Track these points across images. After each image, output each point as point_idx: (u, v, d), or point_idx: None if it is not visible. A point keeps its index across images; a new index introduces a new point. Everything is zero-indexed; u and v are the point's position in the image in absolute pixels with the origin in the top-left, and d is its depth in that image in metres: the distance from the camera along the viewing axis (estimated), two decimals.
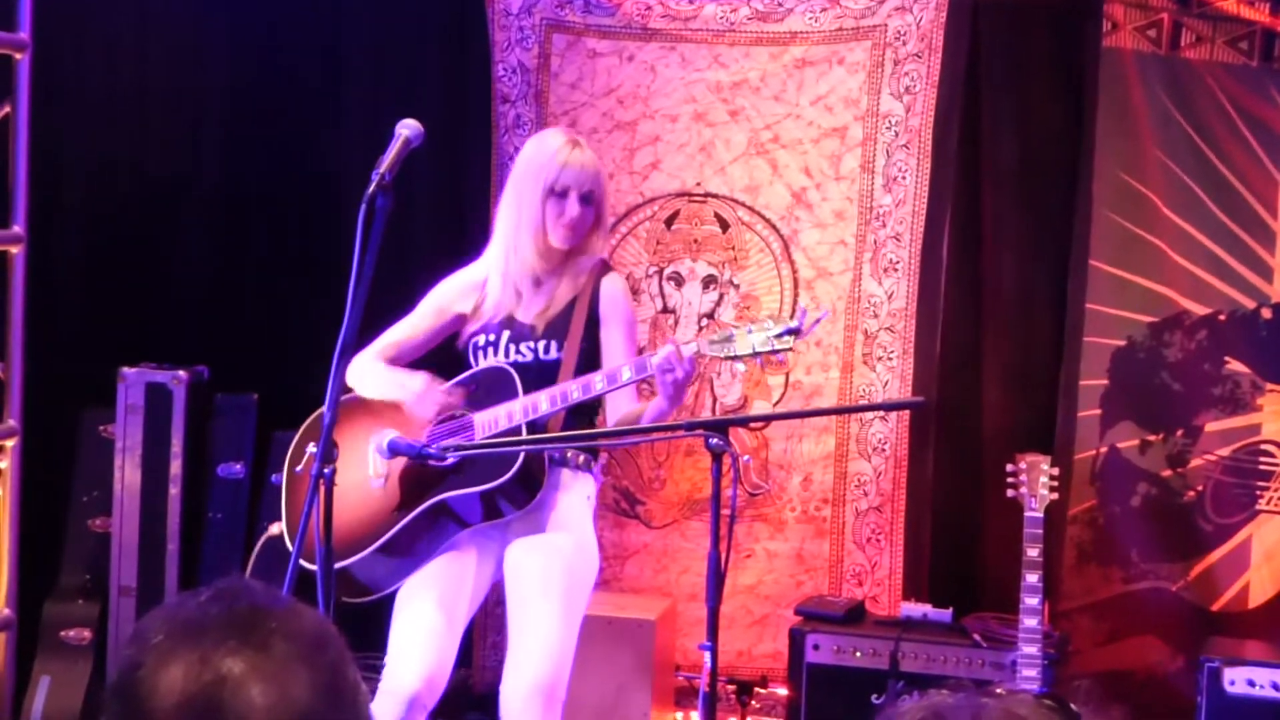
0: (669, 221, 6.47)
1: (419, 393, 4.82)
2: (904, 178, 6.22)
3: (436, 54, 6.69)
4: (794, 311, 6.30)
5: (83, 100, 6.72)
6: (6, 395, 6.08)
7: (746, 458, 6.29)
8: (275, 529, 5.08)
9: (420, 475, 4.74)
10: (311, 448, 4.42)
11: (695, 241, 6.44)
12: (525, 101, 6.51)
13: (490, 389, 4.78)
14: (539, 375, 4.78)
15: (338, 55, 6.75)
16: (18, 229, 6.06)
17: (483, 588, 4.88)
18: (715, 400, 6.43)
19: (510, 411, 4.68)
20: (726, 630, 6.07)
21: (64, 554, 6.40)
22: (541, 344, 4.84)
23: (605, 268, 5.00)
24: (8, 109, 6.02)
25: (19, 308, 6.09)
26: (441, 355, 5.09)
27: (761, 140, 6.37)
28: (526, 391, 4.70)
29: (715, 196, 6.43)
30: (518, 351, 4.85)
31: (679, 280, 6.45)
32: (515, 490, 4.68)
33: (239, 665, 1.67)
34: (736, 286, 6.40)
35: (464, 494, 4.69)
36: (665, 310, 6.44)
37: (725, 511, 4.22)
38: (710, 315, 6.39)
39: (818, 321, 4.73)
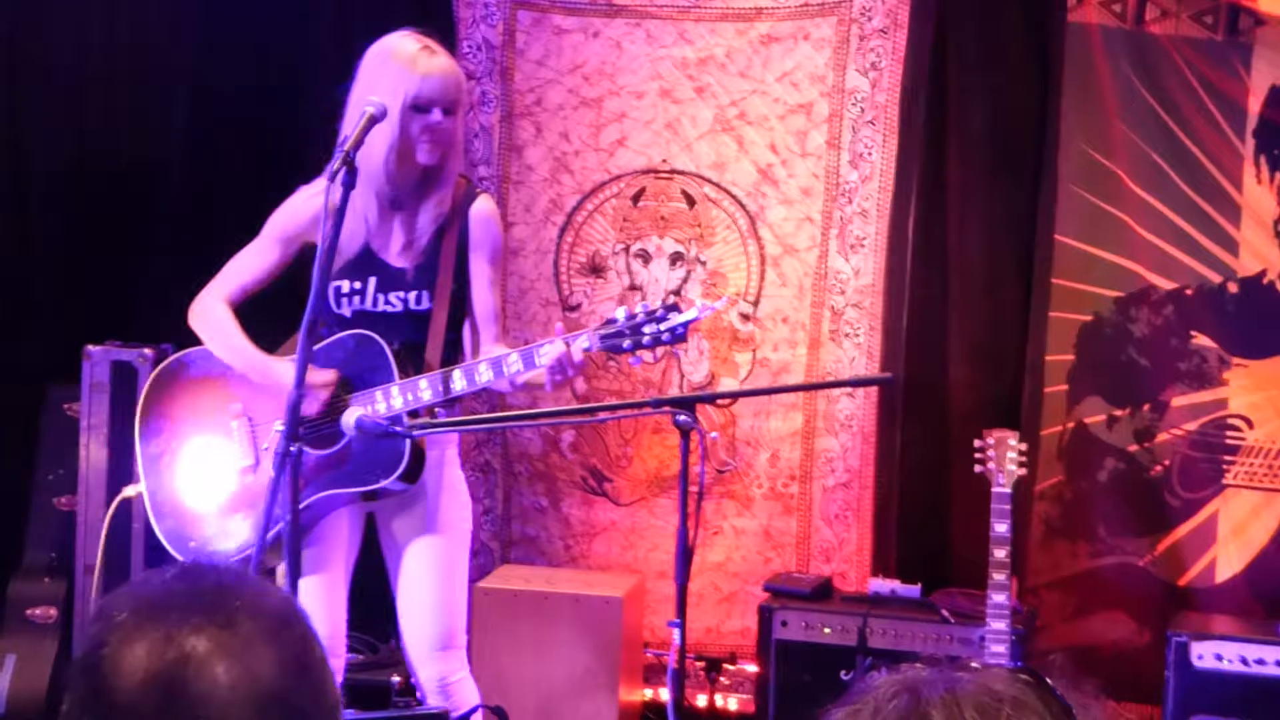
0: (636, 198, 6.46)
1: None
2: (870, 154, 6.22)
3: (401, 28, 6.66)
4: (758, 291, 6.30)
5: (53, 80, 6.69)
6: None
7: (714, 434, 6.29)
8: (131, 490, 5.00)
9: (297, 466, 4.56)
10: (278, 425, 4.37)
11: (662, 218, 6.43)
12: (490, 78, 6.49)
13: (361, 363, 4.58)
14: (409, 325, 4.64)
15: (304, 31, 6.72)
16: None
17: (356, 538, 4.82)
18: (683, 377, 6.43)
19: (389, 398, 4.51)
20: (695, 607, 6.07)
21: (29, 532, 6.38)
22: (413, 294, 4.65)
23: (470, 190, 4.78)
24: None
25: None
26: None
27: (728, 117, 6.36)
28: (393, 339, 4.55)
29: (682, 173, 6.41)
30: (386, 301, 4.66)
31: (646, 257, 6.44)
32: (402, 483, 4.57)
33: (203, 643, 1.67)
34: (704, 263, 6.39)
35: (346, 492, 4.60)
36: (633, 287, 6.42)
37: (693, 488, 4.21)
38: (677, 292, 6.38)
39: (710, 311, 4.61)
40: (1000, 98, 6.22)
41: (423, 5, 6.56)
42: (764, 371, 6.36)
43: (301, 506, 4.49)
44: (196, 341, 6.49)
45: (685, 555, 4.21)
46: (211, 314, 4.78)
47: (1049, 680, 1.56)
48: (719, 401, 6.41)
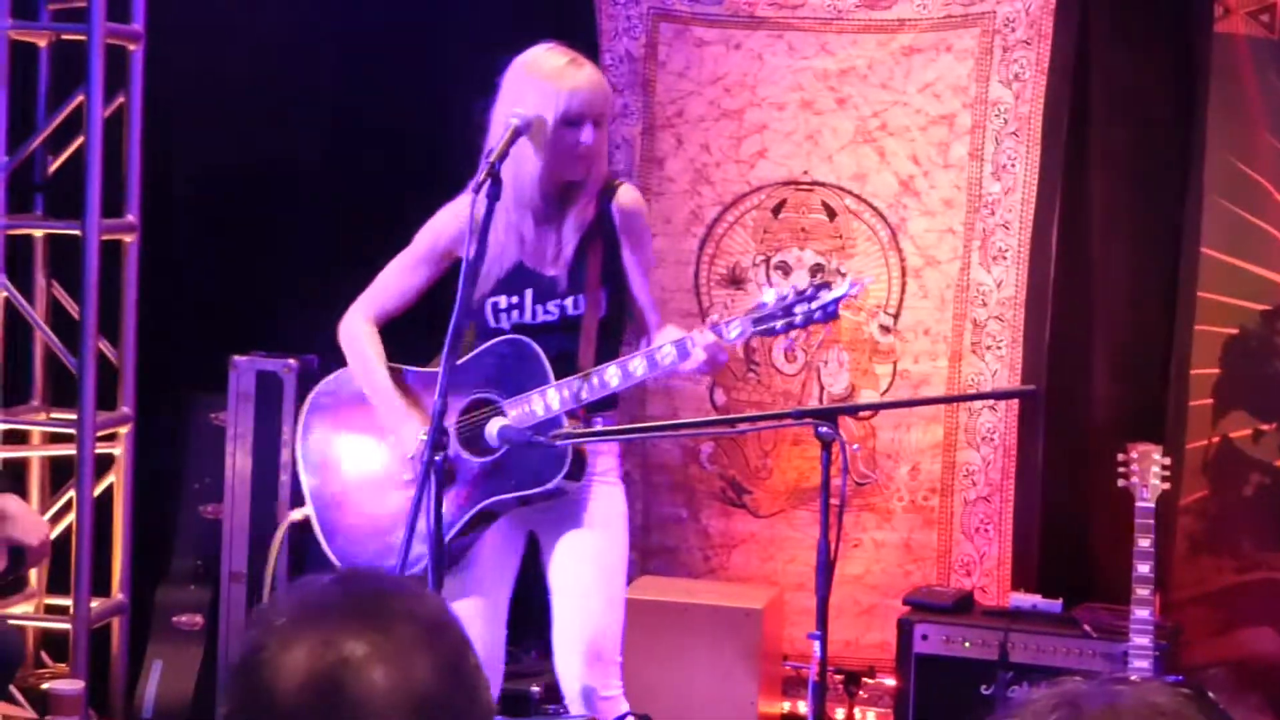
0: (776, 210, 6.46)
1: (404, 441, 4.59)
2: (1013, 165, 6.18)
3: (543, 43, 6.70)
4: (899, 303, 6.29)
5: (195, 91, 6.77)
6: (120, 382, 6.17)
7: (855, 446, 6.27)
8: (298, 514, 4.98)
9: (459, 475, 4.56)
10: (422, 435, 4.39)
11: (803, 230, 6.43)
12: (632, 90, 6.51)
13: (512, 367, 4.53)
14: (567, 332, 4.57)
15: (444, 44, 6.77)
16: (131, 218, 6.14)
17: (515, 557, 4.76)
18: (822, 389, 6.41)
19: (546, 401, 4.46)
20: (834, 620, 6.01)
21: (176, 540, 6.47)
22: (569, 300, 4.56)
23: (610, 183, 4.66)
24: (122, 100, 6.09)
25: (132, 296, 6.17)
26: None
27: (869, 128, 6.35)
28: (550, 349, 4.49)
29: (822, 185, 6.41)
30: (545, 311, 4.58)
31: (786, 269, 6.44)
32: (565, 484, 4.51)
33: (361, 648, 1.68)
34: (844, 275, 6.36)
35: (512, 497, 4.54)
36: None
37: (834, 501, 4.20)
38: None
39: (862, 287, 4.49)
40: (1144, 108, 6.17)
41: (565, 17, 6.59)
42: (904, 383, 6.34)
43: (469, 516, 4.54)
44: (334, 352, 6.59)
45: (826, 567, 4.20)
46: (353, 333, 4.77)
47: (1210, 694, 1.55)
48: (860, 413, 6.39)
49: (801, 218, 6.43)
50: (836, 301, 4.30)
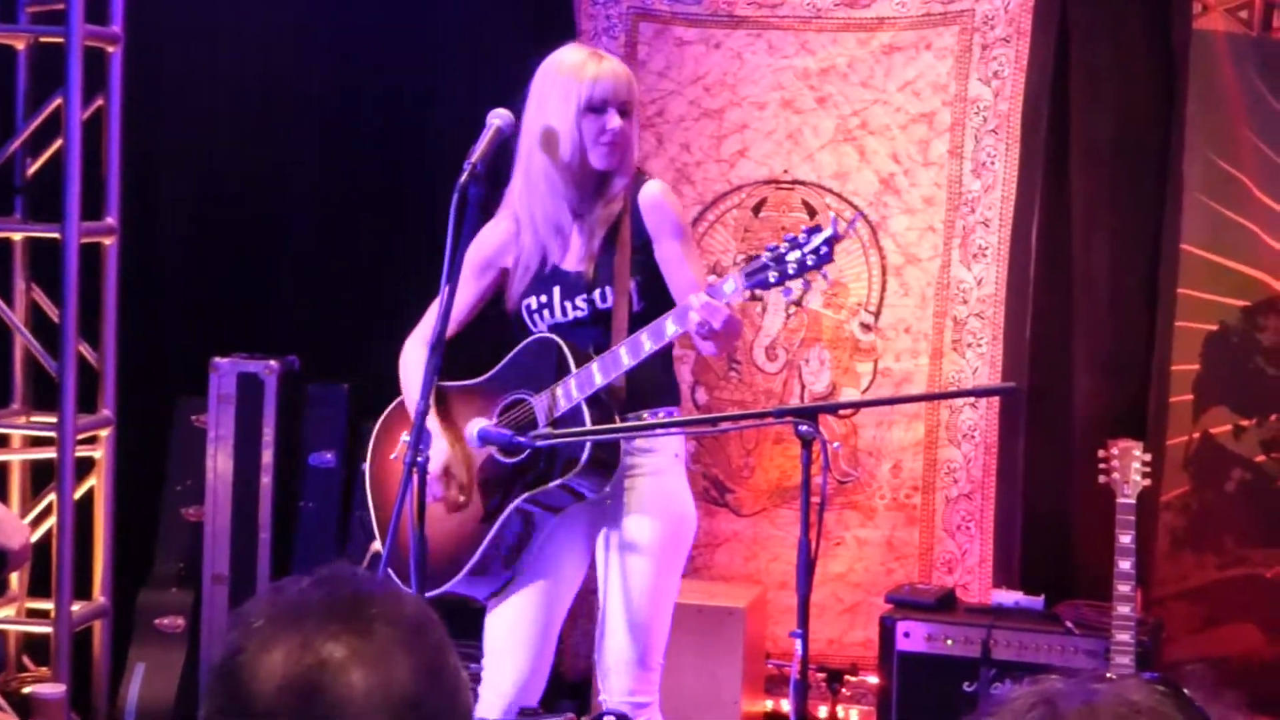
0: (756, 209, 6.46)
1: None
2: (993, 163, 6.19)
3: (525, 43, 6.69)
4: (879, 301, 6.29)
5: (180, 93, 6.77)
6: (100, 385, 6.16)
7: (836, 445, 6.26)
8: (377, 546, 4.94)
9: (494, 477, 4.54)
10: (405, 436, 4.38)
11: (783, 229, 6.41)
12: None
13: (540, 364, 4.49)
14: (595, 326, 4.52)
15: (431, 45, 6.76)
16: (110, 220, 6.13)
17: (577, 574, 4.71)
18: (804, 388, 6.42)
19: (567, 390, 4.40)
20: (817, 618, 6.03)
21: (158, 543, 6.47)
22: (597, 293, 4.51)
23: (639, 178, 4.60)
24: (100, 102, 6.09)
25: (112, 298, 6.16)
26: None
27: (849, 127, 6.35)
28: (583, 344, 4.45)
29: (803, 183, 6.41)
30: (575, 308, 4.53)
31: None
32: (590, 474, 4.45)
33: (340, 650, 1.67)
34: (824, 274, 6.35)
35: (541, 492, 4.48)
36: (754, 298, 6.40)
37: (815, 499, 4.19)
38: (798, 302, 6.37)
39: (851, 224, 4.40)
40: (1124, 105, 6.17)
41: (545, 18, 6.59)
42: (886, 381, 6.35)
43: (504, 518, 4.50)
44: (326, 357, 6.59)
45: (807, 566, 4.18)
46: (405, 358, 4.71)
47: (1187, 691, 1.56)
48: (841, 412, 6.39)
49: (782, 216, 6.43)
50: (829, 243, 4.21)
